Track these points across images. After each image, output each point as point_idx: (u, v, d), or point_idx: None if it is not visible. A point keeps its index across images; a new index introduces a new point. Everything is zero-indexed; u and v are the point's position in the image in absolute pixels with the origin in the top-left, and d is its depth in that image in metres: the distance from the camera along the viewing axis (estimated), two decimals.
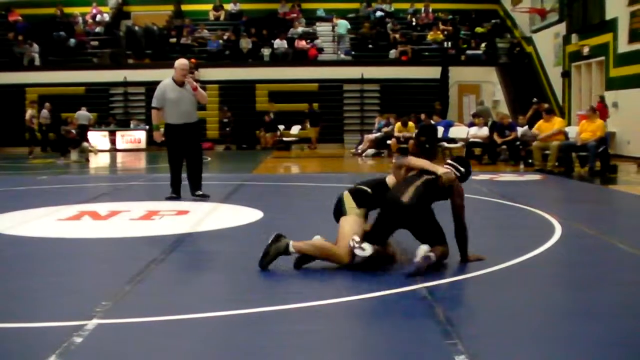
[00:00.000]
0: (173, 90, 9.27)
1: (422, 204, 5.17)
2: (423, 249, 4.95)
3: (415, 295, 4.51)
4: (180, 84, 9.30)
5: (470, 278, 4.96)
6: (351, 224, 5.23)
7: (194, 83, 9.49)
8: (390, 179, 5.52)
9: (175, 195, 9.44)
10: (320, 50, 26.14)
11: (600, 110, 22.18)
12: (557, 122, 14.50)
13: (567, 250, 6.16)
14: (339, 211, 5.37)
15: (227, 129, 23.68)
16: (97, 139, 22.29)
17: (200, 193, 9.43)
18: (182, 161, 9.51)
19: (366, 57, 25.63)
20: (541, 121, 14.75)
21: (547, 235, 6.53)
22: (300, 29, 26.54)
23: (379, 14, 27.36)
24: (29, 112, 21.37)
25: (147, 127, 23.98)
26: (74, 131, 19.27)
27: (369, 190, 5.40)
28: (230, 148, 23.53)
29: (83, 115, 22.16)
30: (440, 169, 5.36)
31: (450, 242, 5.27)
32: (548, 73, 23.40)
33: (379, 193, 5.35)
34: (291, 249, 5.18)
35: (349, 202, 5.34)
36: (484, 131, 16.90)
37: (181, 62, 9.38)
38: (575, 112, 20.21)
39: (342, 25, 26.50)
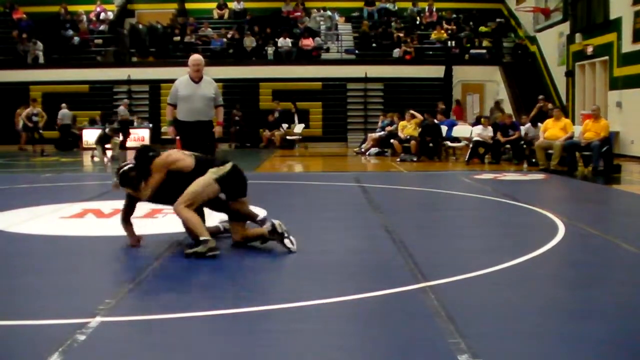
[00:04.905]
0: (186, 87, 9.07)
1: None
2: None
3: (417, 294, 4.51)
4: (196, 80, 9.18)
5: (473, 277, 4.96)
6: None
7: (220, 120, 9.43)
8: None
9: None
10: (325, 49, 26.14)
11: (456, 112, 22.65)
12: (566, 125, 14.42)
13: (570, 250, 6.16)
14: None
15: (237, 127, 23.56)
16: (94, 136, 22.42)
17: None
18: None
19: (370, 56, 25.61)
20: (549, 120, 14.69)
21: (551, 235, 6.52)
22: (309, 19, 26.61)
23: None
24: (25, 111, 21.30)
25: (151, 125, 24.04)
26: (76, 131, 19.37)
27: None
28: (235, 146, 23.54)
29: (66, 114, 22.36)
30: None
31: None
32: (552, 72, 23.36)
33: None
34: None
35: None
36: (489, 131, 16.86)
37: (192, 58, 9.05)
38: (579, 111, 20.17)
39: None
